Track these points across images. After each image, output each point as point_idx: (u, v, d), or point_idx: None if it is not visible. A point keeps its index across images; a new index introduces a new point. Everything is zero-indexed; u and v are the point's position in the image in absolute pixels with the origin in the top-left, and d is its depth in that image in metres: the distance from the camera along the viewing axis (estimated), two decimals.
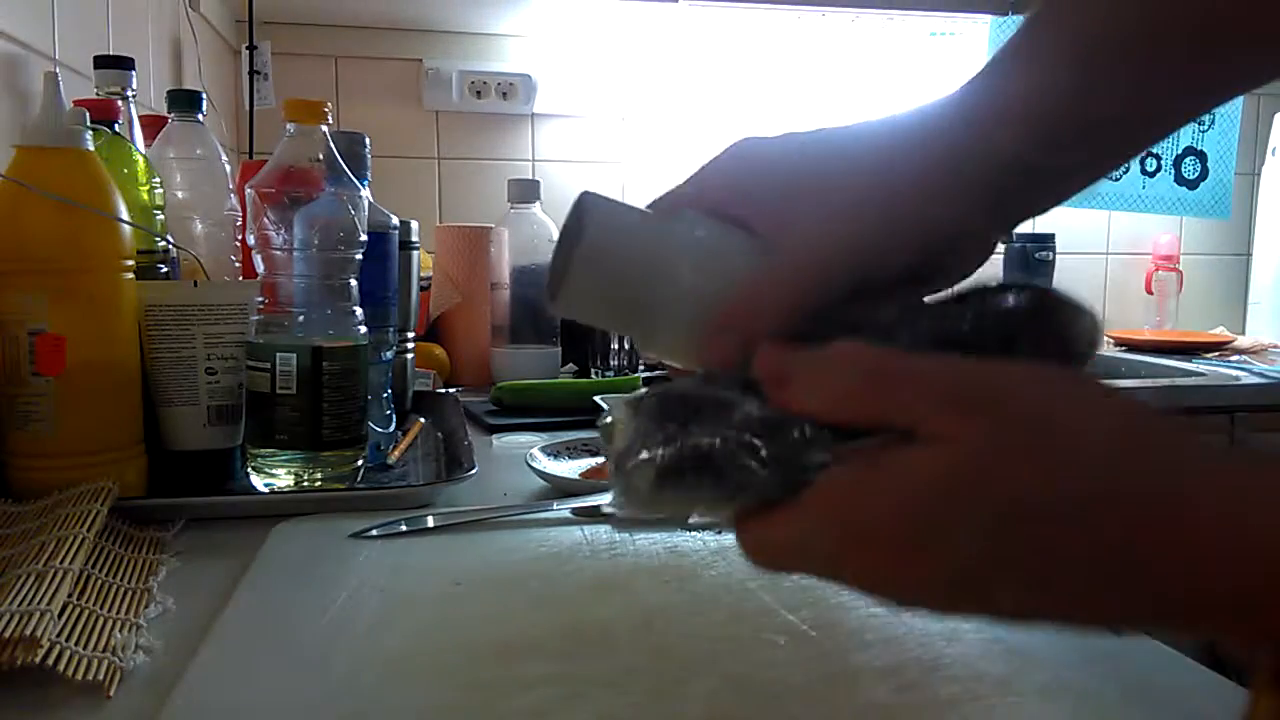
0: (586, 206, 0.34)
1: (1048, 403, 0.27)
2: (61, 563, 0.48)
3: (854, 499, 0.28)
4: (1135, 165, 1.99)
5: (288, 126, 0.70)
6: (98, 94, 0.87)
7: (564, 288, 0.34)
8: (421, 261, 1.10)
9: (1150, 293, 2.09)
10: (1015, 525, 0.26)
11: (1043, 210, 0.35)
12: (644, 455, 0.30)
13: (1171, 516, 0.25)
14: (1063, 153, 0.32)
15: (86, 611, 0.47)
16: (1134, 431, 0.27)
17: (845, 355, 0.29)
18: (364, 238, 0.71)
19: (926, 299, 0.35)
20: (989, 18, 1.96)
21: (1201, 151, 2.01)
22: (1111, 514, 0.25)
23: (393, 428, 0.87)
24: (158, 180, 0.83)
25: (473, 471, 0.73)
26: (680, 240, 0.34)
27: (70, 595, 0.47)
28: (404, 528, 0.63)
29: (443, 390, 1.14)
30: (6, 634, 0.41)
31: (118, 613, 0.48)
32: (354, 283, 0.71)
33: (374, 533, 0.62)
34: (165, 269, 0.81)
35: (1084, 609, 0.27)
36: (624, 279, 0.34)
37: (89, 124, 0.66)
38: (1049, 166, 0.32)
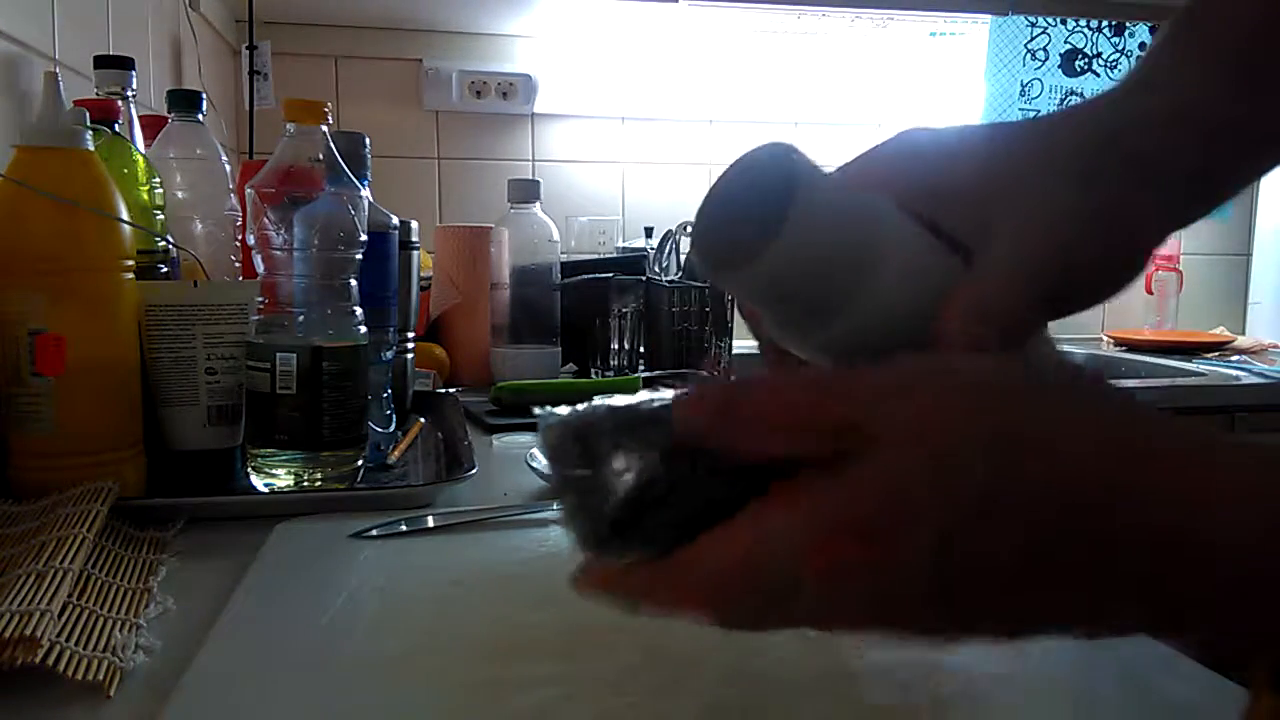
0: (794, 162, 0.28)
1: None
2: (61, 563, 0.48)
3: (818, 501, 0.26)
4: None
5: (288, 126, 0.70)
6: (98, 94, 0.87)
7: (762, 258, 0.27)
8: (421, 261, 1.10)
9: (1150, 293, 2.09)
10: (984, 518, 0.24)
11: (1188, 221, 0.34)
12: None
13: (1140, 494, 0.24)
14: (1216, 157, 0.32)
15: (86, 611, 0.47)
16: (1104, 419, 0.26)
17: (775, 381, 0.28)
18: (364, 238, 0.71)
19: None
20: (989, 18, 1.96)
21: None
22: (1100, 519, 0.24)
23: (393, 428, 0.87)
24: (158, 180, 0.83)
25: (473, 471, 0.73)
26: (891, 229, 0.30)
27: (70, 595, 0.47)
28: (404, 528, 0.63)
29: (443, 390, 1.14)
30: (6, 634, 0.41)
31: (118, 613, 0.48)
32: (354, 283, 0.71)
33: (374, 533, 0.62)
34: (165, 269, 0.81)
35: (1061, 609, 0.26)
36: (835, 258, 0.28)
37: (89, 124, 0.66)
38: (1210, 173, 0.32)
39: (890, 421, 0.25)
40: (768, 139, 0.31)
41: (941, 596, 0.25)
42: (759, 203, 0.27)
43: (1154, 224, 0.32)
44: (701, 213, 0.29)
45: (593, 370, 1.28)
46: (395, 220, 0.90)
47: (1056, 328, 0.34)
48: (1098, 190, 0.31)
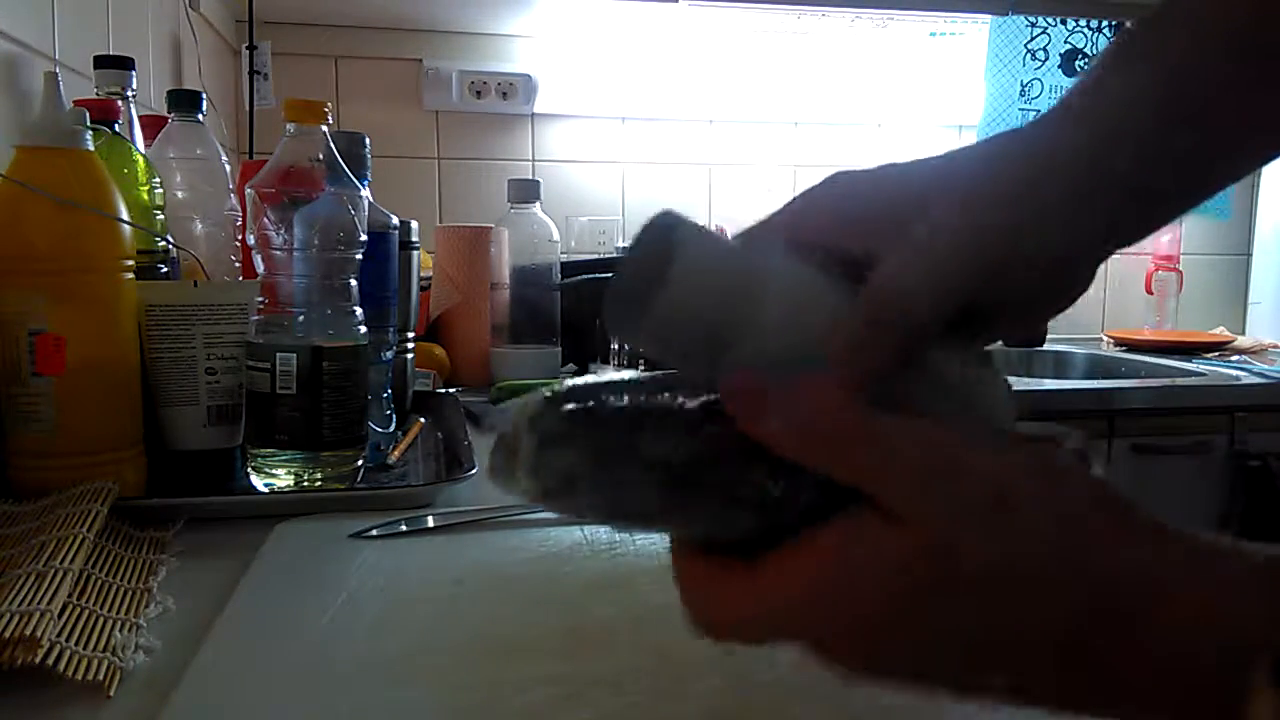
0: (674, 228, 0.31)
1: (1007, 477, 0.27)
2: (61, 563, 0.48)
3: (834, 578, 0.27)
4: None
5: (288, 126, 0.70)
6: (98, 94, 0.87)
7: (650, 313, 0.30)
8: (421, 261, 1.10)
9: (1150, 293, 2.09)
10: (974, 605, 0.26)
11: (1143, 232, 0.34)
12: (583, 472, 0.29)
13: (1123, 609, 0.26)
14: (1163, 170, 0.32)
15: (86, 611, 0.47)
16: (1090, 513, 0.27)
17: (816, 393, 0.28)
18: (364, 238, 0.71)
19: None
20: (989, 18, 1.96)
21: None
22: (1061, 599, 0.26)
23: (393, 428, 0.87)
24: (158, 180, 0.83)
25: (473, 471, 0.73)
26: (775, 273, 0.32)
27: (70, 595, 0.47)
28: (404, 528, 0.63)
29: (443, 390, 1.14)
30: (6, 634, 0.41)
31: (118, 613, 0.48)
32: (354, 283, 0.71)
33: (374, 533, 0.62)
34: (165, 269, 0.81)
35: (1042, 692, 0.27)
36: (716, 304, 0.31)
37: (89, 124, 0.66)
38: (1156, 186, 0.32)
39: (910, 508, 0.27)
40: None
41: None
42: (646, 265, 0.31)
43: (1089, 226, 0.32)
44: (609, 282, 0.32)
45: (593, 370, 1.28)
46: (395, 220, 0.90)
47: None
48: (1010, 185, 0.31)
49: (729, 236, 0.35)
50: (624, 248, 1.92)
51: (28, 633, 0.41)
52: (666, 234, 0.31)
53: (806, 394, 0.28)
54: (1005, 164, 0.32)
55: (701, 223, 0.32)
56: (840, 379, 0.29)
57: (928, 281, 0.30)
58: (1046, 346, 1.85)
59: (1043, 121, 0.33)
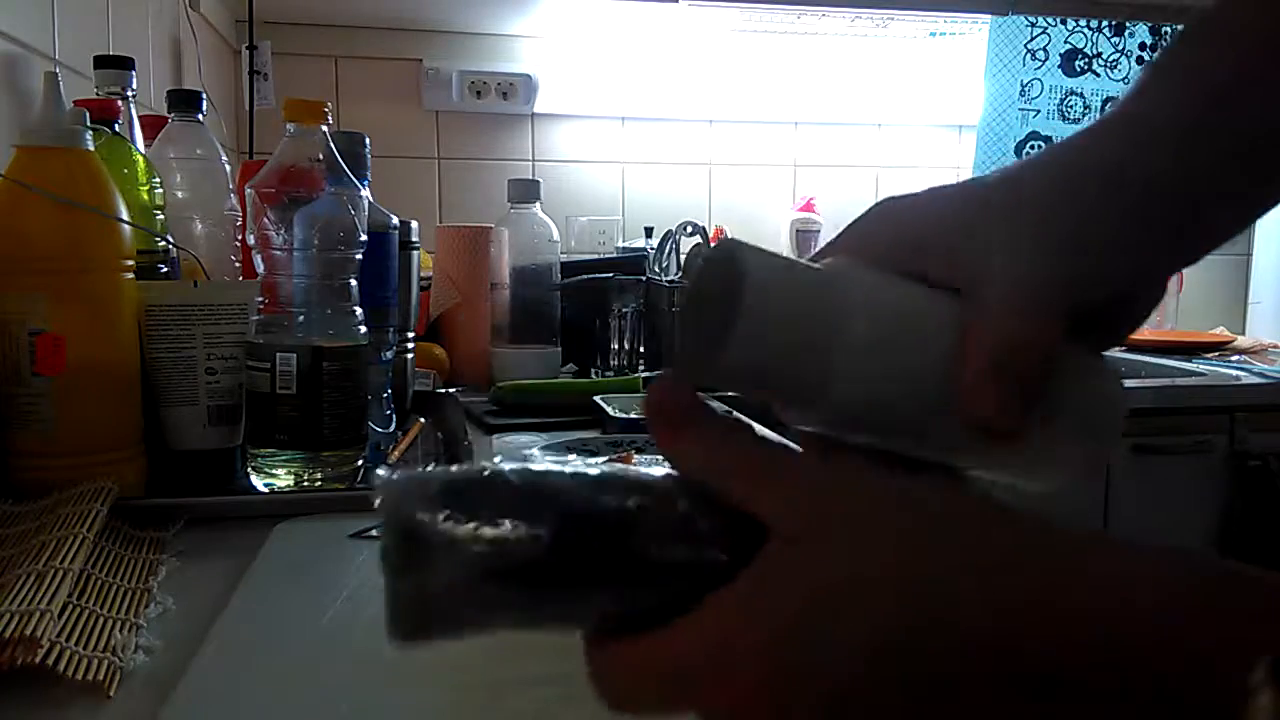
0: (735, 256, 0.28)
1: (910, 518, 0.26)
2: (61, 563, 0.48)
3: (738, 622, 0.26)
4: None
5: (288, 126, 0.70)
6: (98, 94, 0.87)
7: (727, 349, 0.28)
8: (421, 261, 1.10)
9: None
10: (876, 653, 0.25)
11: (1214, 242, 0.33)
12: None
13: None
14: (1212, 182, 0.31)
15: (86, 611, 0.47)
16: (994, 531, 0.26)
17: (723, 426, 0.28)
18: (364, 238, 0.71)
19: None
20: (989, 18, 1.96)
21: None
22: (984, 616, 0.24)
23: (393, 428, 0.87)
24: (158, 180, 0.83)
25: None
26: (854, 284, 0.30)
27: (70, 595, 0.47)
28: None
29: (443, 390, 1.14)
30: (6, 634, 0.41)
31: (118, 613, 0.48)
32: (354, 283, 0.71)
33: (374, 533, 0.62)
34: (165, 269, 0.81)
35: None
36: (794, 332, 0.28)
37: (89, 124, 0.66)
38: (1207, 198, 0.31)
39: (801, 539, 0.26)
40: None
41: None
42: (715, 299, 0.29)
43: (1155, 242, 0.32)
44: (678, 325, 0.30)
45: (593, 370, 1.28)
46: (395, 220, 0.90)
47: None
48: (1087, 208, 0.31)
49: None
50: (624, 247, 1.92)
51: (28, 633, 0.41)
52: (730, 264, 0.28)
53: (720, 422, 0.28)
54: (1074, 180, 0.31)
55: (765, 247, 0.29)
56: None
57: (1045, 309, 0.30)
58: None
59: (1099, 132, 0.32)
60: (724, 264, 0.29)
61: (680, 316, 0.28)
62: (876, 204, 0.34)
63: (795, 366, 0.29)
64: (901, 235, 0.32)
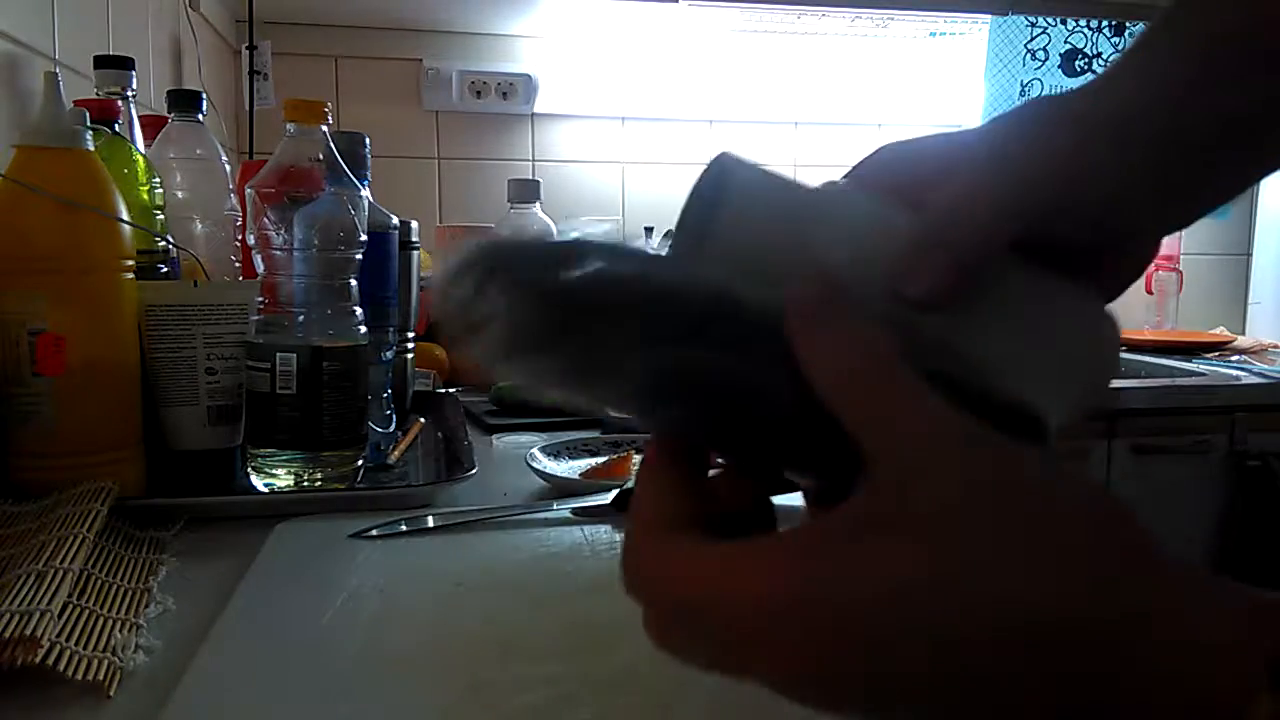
0: (731, 165, 0.31)
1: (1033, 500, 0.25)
2: (61, 563, 0.48)
3: (798, 585, 0.24)
4: None
5: (288, 126, 0.70)
6: (98, 94, 0.87)
7: (710, 236, 0.30)
8: (421, 261, 1.10)
9: (1150, 292, 2.09)
10: (957, 647, 0.23)
11: (1204, 211, 0.33)
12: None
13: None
14: (1208, 135, 0.31)
15: (87, 611, 0.47)
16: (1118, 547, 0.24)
17: (866, 332, 0.27)
18: (364, 238, 0.71)
19: None
20: (989, 18, 1.96)
21: None
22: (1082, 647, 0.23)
23: (393, 428, 0.87)
24: (158, 180, 0.83)
25: (473, 471, 0.73)
26: (838, 195, 0.32)
27: (70, 595, 0.47)
28: (404, 528, 0.63)
29: (443, 390, 1.14)
30: (6, 634, 0.41)
31: (118, 613, 0.48)
32: (354, 283, 0.71)
33: (374, 533, 0.62)
34: (165, 269, 0.81)
35: None
36: (775, 227, 0.31)
37: (89, 124, 0.66)
38: (1209, 141, 0.31)
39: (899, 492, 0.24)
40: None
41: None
42: (705, 195, 0.31)
43: (1152, 195, 0.32)
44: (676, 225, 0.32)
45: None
46: (395, 220, 0.90)
47: None
48: (1054, 136, 0.31)
49: None
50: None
51: (28, 633, 0.41)
52: (724, 169, 0.31)
53: (858, 333, 0.27)
54: (1058, 107, 0.32)
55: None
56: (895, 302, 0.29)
57: (987, 200, 0.30)
58: None
59: (1087, 85, 0.33)
60: (719, 167, 0.31)
61: (679, 218, 0.31)
62: (878, 148, 0.35)
63: (767, 265, 0.30)
64: (892, 171, 0.34)
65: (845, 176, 0.35)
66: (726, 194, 0.30)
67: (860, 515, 0.25)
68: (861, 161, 0.35)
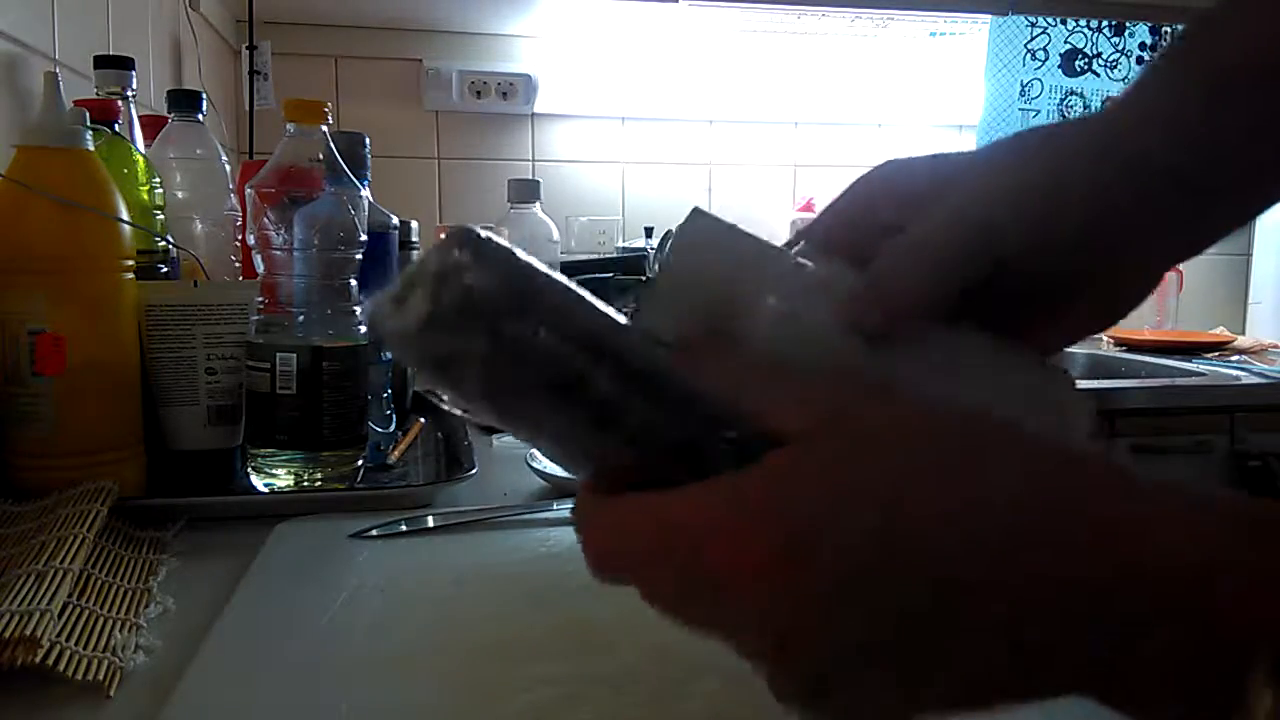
0: (692, 217, 0.34)
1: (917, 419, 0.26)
2: (61, 563, 0.48)
3: (733, 500, 0.25)
4: None
5: (288, 126, 0.70)
6: (98, 94, 0.87)
7: (653, 288, 0.33)
8: None
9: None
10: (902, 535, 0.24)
11: (1208, 242, 0.33)
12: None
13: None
14: (1204, 163, 0.31)
15: (86, 611, 0.47)
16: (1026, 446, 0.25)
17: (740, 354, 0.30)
18: (364, 238, 0.71)
19: None
20: (989, 18, 1.96)
21: None
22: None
23: (393, 428, 0.87)
24: (158, 180, 0.83)
25: (473, 471, 0.73)
26: (779, 260, 0.33)
27: (70, 595, 0.47)
28: (404, 528, 0.63)
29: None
30: (6, 634, 0.41)
31: (118, 613, 0.48)
32: (354, 283, 0.71)
33: (374, 533, 0.62)
34: (165, 269, 0.81)
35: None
36: (712, 282, 0.33)
37: (89, 124, 0.66)
38: (1195, 178, 0.31)
39: (807, 426, 0.26)
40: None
41: (837, 635, 0.24)
42: (675, 236, 0.34)
43: (1142, 221, 0.31)
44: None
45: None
46: (395, 220, 0.90)
47: None
48: (1025, 168, 0.32)
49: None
50: (624, 247, 1.93)
51: (28, 633, 0.41)
52: (684, 225, 0.34)
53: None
54: (1029, 154, 0.32)
55: (732, 221, 0.33)
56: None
57: (918, 265, 0.31)
58: None
59: (1077, 119, 0.33)
60: (683, 223, 0.34)
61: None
62: (882, 163, 0.36)
63: (704, 318, 0.32)
64: (891, 188, 0.35)
65: (855, 182, 0.36)
66: (680, 242, 0.33)
67: (791, 454, 0.26)
68: (869, 172, 0.36)
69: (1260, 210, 0.33)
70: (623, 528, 0.28)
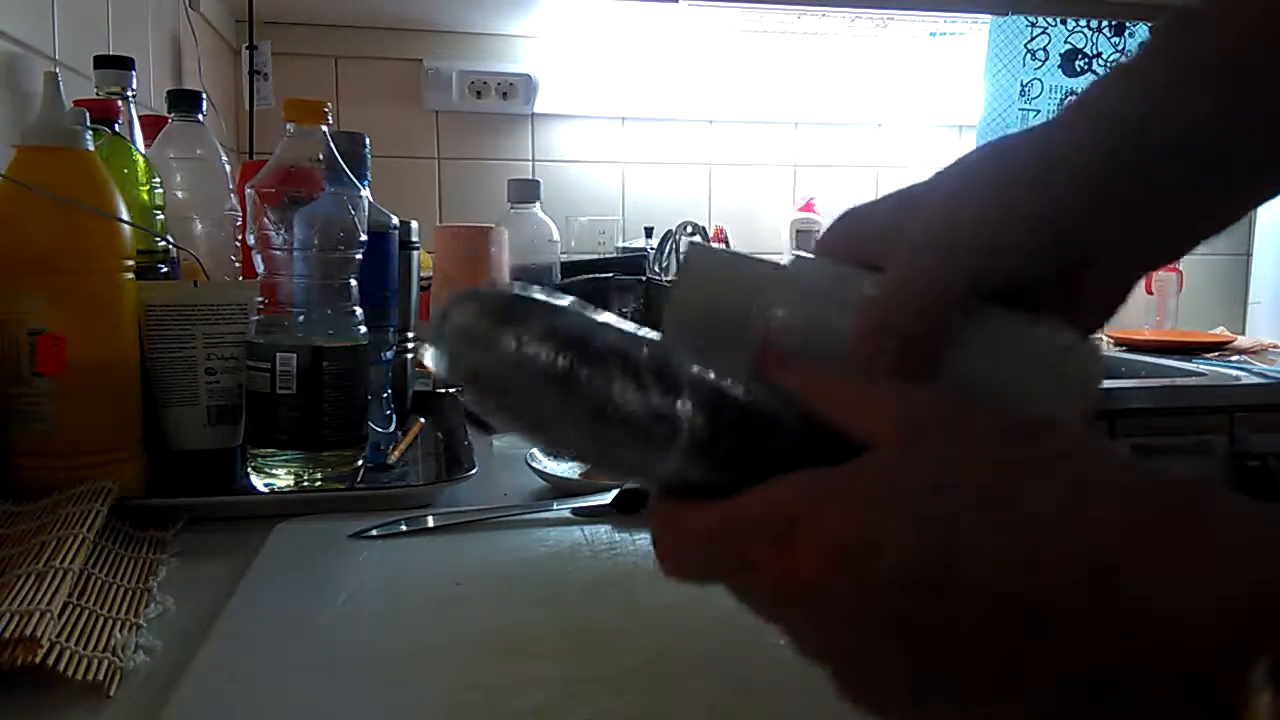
0: (690, 257, 0.36)
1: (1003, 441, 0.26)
2: (61, 563, 0.48)
3: (815, 492, 0.26)
4: None
5: (288, 126, 0.70)
6: (98, 94, 0.87)
7: (665, 313, 0.34)
8: (421, 261, 1.10)
9: (1150, 293, 2.09)
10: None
11: (1177, 248, 0.33)
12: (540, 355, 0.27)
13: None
14: (1167, 161, 0.31)
15: (86, 611, 0.47)
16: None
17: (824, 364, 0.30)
18: (364, 238, 0.71)
19: None
20: (989, 18, 1.96)
21: None
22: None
23: (393, 428, 0.87)
24: (158, 180, 0.83)
25: (473, 471, 0.73)
26: (780, 269, 0.34)
27: (70, 595, 0.47)
28: (404, 528, 0.63)
29: (443, 390, 1.14)
30: (6, 634, 0.41)
31: (118, 613, 0.48)
32: (354, 283, 0.71)
33: (374, 533, 0.62)
34: (165, 269, 0.81)
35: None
36: (726, 296, 0.34)
37: (89, 124, 0.66)
38: (1159, 177, 0.31)
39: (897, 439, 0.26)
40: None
41: (895, 646, 0.25)
42: (679, 273, 0.36)
43: (1098, 229, 0.31)
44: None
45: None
46: (395, 220, 0.90)
47: None
48: (1002, 176, 0.31)
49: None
50: (624, 247, 1.93)
51: (28, 633, 0.41)
52: (686, 259, 0.35)
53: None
54: (1010, 153, 0.32)
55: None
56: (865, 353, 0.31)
57: (942, 256, 0.31)
58: None
59: (1023, 130, 0.33)
60: (683, 261, 0.37)
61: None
62: (840, 214, 0.36)
63: (722, 332, 0.33)
64: (851, 236, 0.35)
65: (814, 245, 0.37)
66: (685, 275, 0.35)
67: (863, 464, 0.26)
68: (827, 228, 0.36)
69: (1230, 212, 0.33)
70: (695, 535, 0.28)
